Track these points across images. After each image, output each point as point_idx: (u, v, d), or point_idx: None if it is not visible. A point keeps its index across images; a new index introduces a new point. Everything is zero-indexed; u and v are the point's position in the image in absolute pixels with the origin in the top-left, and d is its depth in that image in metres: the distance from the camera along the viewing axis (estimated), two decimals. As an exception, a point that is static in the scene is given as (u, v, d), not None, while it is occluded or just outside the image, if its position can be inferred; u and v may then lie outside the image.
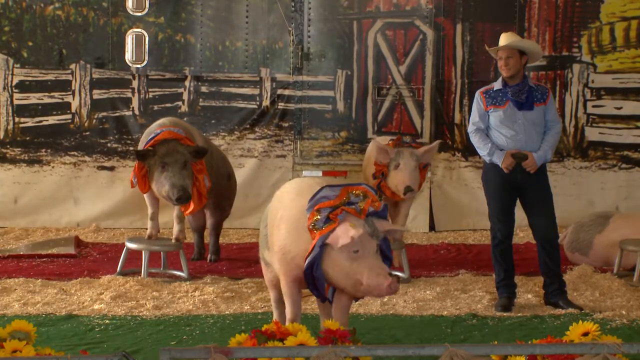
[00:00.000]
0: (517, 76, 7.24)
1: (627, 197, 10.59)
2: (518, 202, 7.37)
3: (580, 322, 4.76)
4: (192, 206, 8.02)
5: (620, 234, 8.51)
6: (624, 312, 7.12)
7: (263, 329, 4.79)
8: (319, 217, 5.34)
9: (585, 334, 4.67)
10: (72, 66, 10.29)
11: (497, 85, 7.31)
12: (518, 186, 7.24)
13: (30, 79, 10.29)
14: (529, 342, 4.50)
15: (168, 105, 10.34)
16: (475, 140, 7.31)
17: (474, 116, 7.33)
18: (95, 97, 10.32)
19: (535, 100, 7.25)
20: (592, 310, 7.20)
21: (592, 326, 4.70)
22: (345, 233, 5.23)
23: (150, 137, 7.94)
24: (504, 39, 7.24)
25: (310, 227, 5.34)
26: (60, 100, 10.31)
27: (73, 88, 10.30)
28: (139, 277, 7.85)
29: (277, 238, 5.57)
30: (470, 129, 7.35)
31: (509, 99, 7.22)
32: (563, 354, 4.25)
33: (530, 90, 7.26)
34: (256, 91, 10.41)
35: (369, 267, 5.22)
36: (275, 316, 6.11)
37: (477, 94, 7.37)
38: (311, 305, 6.85)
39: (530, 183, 7.23)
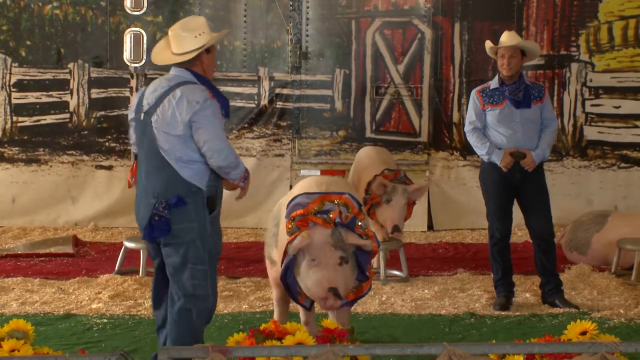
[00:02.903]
0: (514, 75, 7.24)
1: (625, 197, 10.58)
2: (515, 201, 7.38)
3: (579, 321, 4.77)
4: None
5: (618, 232, 8.51)
6: (622, 311, 7.13)
7: (261, 328, 4.79)
8: (292, 224, 5.38)
9: (584, 333, 4.67)
10: (70, 65, 10.28)
11: (494, 84, 7.30)
12: (516, 185, 7.24)
13: (28, 78, 10.29)
14: (527, 341, 4.50)
15: (166, 104, 10.32)
16: (472, 139, 7.31)
17: (471, 115, 7.32)
18: (93, 96, 10.31)
19: (533, 98, 7.25)
20: (590, 309, 7.21)
21: (590, 325, 4.71)
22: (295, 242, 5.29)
23: None
24: (508, 39, 7.21)
25: (288, 233, 5.38)
26: (58, 100, 10.31)
27: (71, 87, 10.29)
28: (137, 276, 7.85)
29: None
30: (467, 128, 7.35)
31: (506, 98, 7.22)
32: (561, 353, 4.26)
33: (527, 89, 7.26)
34: (254, 90, 10.40)
35: (318, 277, 5.24)
36: (275, 315, 6.11)
37: (474, 93, 7.36)
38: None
39: (528, 182, 7.23)
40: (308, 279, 5.29)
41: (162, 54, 5.38)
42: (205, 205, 5.12)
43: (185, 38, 5.20)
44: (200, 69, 5.23)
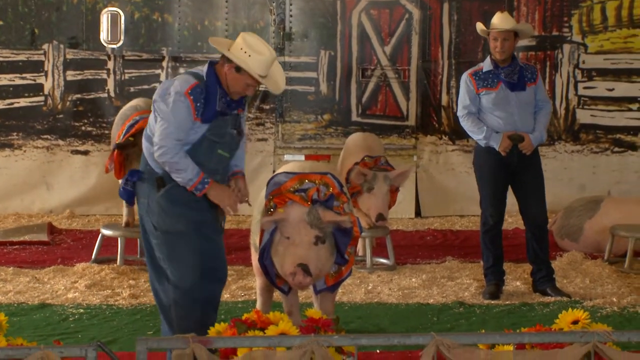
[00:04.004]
0: (508, 57, 7.23)
1: (619, 182, 10.62)
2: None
3: (570, 309, 4.78)
4: None
5: (611, 219, 8.54)
6: (614, 300, 7.16)
7: (243, 318, 4.79)
8: (270, 203, 5.41)
9: (575, 322, 4.68)
10: (45, 46, 10.23)
11: (487, 66, 7.29)
12: (512, 170, 7.25)
13: (0, 59, 10.23)
14: (518, 331, 4.51)
15: (145, 87, 10.30)
16: (467, 124, 7.29)
17: (464, 99, 7.30)
18: (69, 78, 10.27)
19: (527, 80, 7.26)
20: (582, 298, 7.24)
21: (582, 314, 4.72)
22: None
23: (130, 123, 7.91)
24: (501, 21, 7.18)
25: (266, 212, 5.43)
26: (32, 82, 10.26)
27: (46, 69, 10.24)
28: (115, 265, 7.84)
29: None
30: (461, 112, 7.33)
31: (501, 81, 7.21)
32: (552, 343, 4.27)
33: (521, 70, 7.27)
34: (236, 72, 10.36)
35: (290, 254, 5.29)
36: (258, 304, 6.12)
37: (466, 76, 7.33)
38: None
39: (525, 167, 7.24)
40: (280, 256, 5.33)
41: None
42: (155, 184, 5.24)
43: (238, 43, 5.20)
44: (222, 75, 5.23)
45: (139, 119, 7.91)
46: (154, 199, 5.25)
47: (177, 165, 5.13)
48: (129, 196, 5.40)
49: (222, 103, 5.23)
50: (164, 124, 5.13)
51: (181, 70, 10.32)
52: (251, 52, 5.16)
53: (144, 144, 5.32)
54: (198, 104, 5.14)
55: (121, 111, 8.55)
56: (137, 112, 8.09)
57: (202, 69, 5.26)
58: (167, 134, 5.11)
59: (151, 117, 5.31)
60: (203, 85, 5.18)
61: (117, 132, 8.04)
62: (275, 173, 5.69)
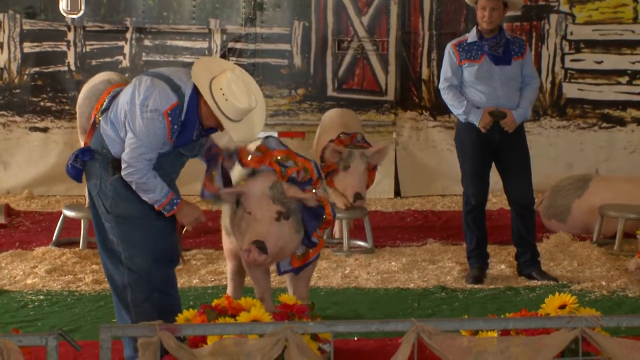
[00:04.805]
0: (495, 28, 7.23)
1: (607, 159, 10.67)
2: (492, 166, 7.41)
3: (557, 294, 4.81)
4: None
5: (600, 198, 8.58)
6: (603, 283, 7.20)
7: (213, 304, 4.79)
8: (250, 155, 5.50)
9: (562, 307, 4.72)
10: (0, 16, 10.14)
11: (471, 37, 7.28)
12: (495, 147, 7.26)
13: (-47, 30, 10.15)
14: (502, 316, 4.53)
15: (108, 59, 10.24)
16: (448, 97, 7.29)
17: (446, 71, 7.30)
18: (26, 50, 10.19)
19: (513, 54, 7.26)
20: (570, 281, 7.28)
21: (570, 298, 4.76)
22: None
23: (111, 95, 7.86)
24: None
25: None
26: (-13, 55, 10.19)
27: (1, 40, 10.16)
28: (77, 249, 7.81)
29: None
30: (442, 85, 7.34)
31: (485, 53, 7.21)
32: (538, 329, 4.29)
33: (507, 43, 7.26)
34: (205, 44, 10.33)
35: (249, 230, 5.33)
36: (229, 290, 6.13)
37: (449, 47, 7.33)
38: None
39: (508, 143, 7.25)
40: (240, 232, 5.35)
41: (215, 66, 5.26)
42: (109, 168, 5.21)
43: (221, 81, 5.08)
44: (200, 104, 5.13)
45: (120, 90, 7.85)
46: (108, 181, 5.22)
47: (144, 187, 5.11)
48: (77, 174, 5.33)
49: (197, 132, 5.21)
50: (136, 142, 5.06)
51: (146, 42, 10.27)
52: (229, 96, 5.07)
53: (107, 126, 5.23)
54: (175, 127, 5.08)
55: (91, 85, 8.44)
56: (113, 86, 8.01)
57: (187, 86, 5.12)
58: (138, 154, 5.06)
59: (122, 100, 5.22)
60: (182, 107, 5.10)
61: (94, 108, 7.95)
62: (271, 135, 5.69)
